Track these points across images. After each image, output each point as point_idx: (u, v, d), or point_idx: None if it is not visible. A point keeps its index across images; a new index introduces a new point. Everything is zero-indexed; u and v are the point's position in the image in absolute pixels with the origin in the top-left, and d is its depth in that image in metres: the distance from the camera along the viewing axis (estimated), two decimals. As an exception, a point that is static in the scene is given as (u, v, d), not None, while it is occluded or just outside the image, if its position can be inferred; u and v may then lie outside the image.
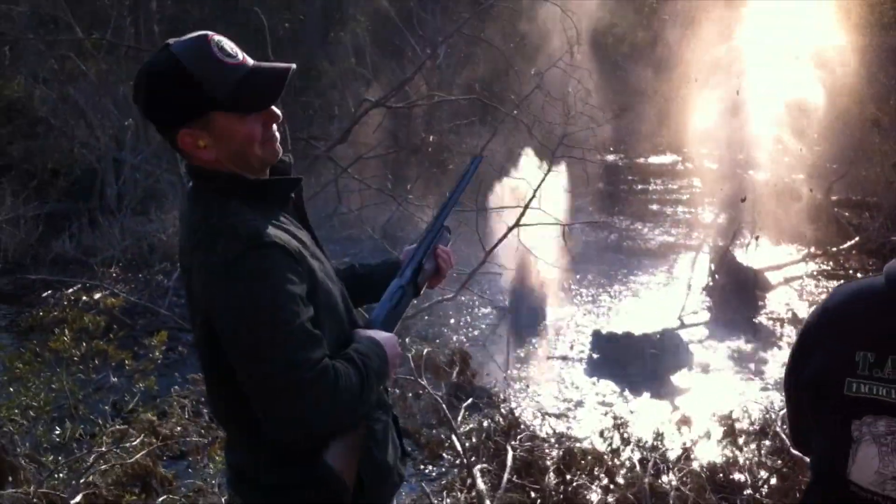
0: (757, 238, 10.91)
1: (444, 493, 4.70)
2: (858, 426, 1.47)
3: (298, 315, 1.76)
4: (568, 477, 4.89)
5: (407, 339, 7.51)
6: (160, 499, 4.37)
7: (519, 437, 5.37)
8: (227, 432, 2.05)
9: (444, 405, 5.20)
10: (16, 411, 4.72)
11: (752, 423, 5.35)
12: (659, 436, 5.30)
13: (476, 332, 8.99)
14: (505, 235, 7.40)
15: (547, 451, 5.25)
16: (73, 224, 11.46)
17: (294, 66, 1.91)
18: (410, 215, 9.12)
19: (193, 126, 1.81)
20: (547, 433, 5.73)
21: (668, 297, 9.85)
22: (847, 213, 12.63)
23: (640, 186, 16.08)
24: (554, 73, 7.79)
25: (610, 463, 5.10)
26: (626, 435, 5.34)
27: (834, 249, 11.51)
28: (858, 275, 10.05)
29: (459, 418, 5.68)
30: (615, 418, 5.55)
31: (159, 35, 9.62)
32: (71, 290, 8.96)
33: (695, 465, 4.99)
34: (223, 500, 4.25)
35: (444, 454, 5.59)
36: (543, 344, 8.72)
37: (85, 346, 5.13)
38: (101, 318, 5.44)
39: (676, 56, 12.25)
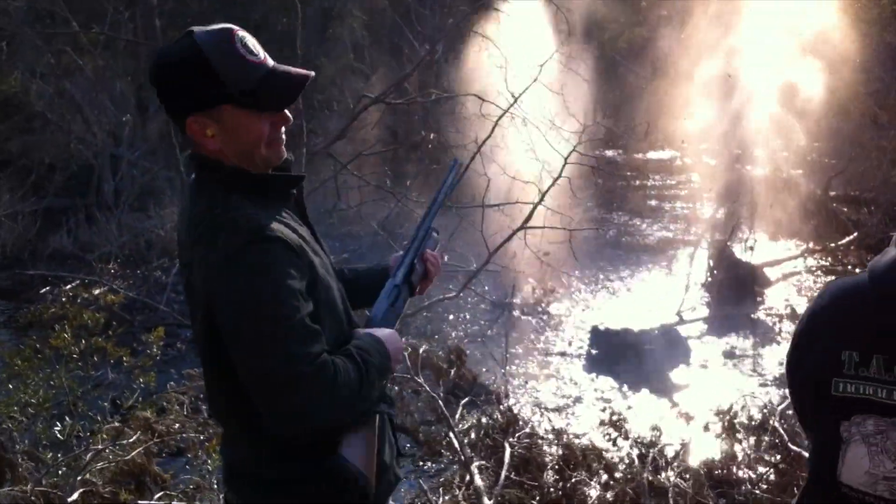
0: (753, 241, 10.92)
1: (442, 491, 4.71)
2: (847, 426, 1.47)
3: (299, 310, 1.76)
4: (566, 473, 4.89)
5: (406, 337, 7.51)
6: (157, 495, 4.37)
7: (517, 434, 5.37)
8: (227, 428, 2.05)
9: (441, 402, 5.20)
10: (15, 408, 4.72)
11: (750, 419, 5.35)
12: (658, 431, 5.31)
13: (475, 329, 8.99)
14: (510, 237, 7.40)
15: (545, 447, 5.26)
16: (71, 220, 11.44)
17: (313, 73, 1.92)
18: (410, 212, 9.11)
19: (204, 115, 1.82)
20: (545, 430, 5.73)
21: (666, 293, 9.84)
22: (845, 209, 12.63)
23: (638, 182, 16.07)
24: (553, 71, 7.79)
25: (609, 458, 5.11)
26: (624, 429, 5.36)
27: (832, 245, 11.51)
28: (857, 270, 10.06)
29: (457, 415, 5.68)
30: (613, 414, 5.56)
31: (159, 29, 9.58)
32: (69, 287, 8.95)
33: (693, 461, 5.00)
34: (221, 497, 4.25)
35: (442, 451, 5.59)
36: (542, 340, 8.72)
37: (84, 343, 5.12)
38: (99, 315, 5.43)
39: (674, 52, 12.25)
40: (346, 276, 2.27)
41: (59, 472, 4.42)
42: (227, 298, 1.76)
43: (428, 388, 5.38)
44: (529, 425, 5.72)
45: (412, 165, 14.19)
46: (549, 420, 6.30)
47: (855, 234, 11.55)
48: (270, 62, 1.86)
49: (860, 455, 1.46)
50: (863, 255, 10.95)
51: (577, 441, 5.36)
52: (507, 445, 5.09)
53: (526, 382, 7.59)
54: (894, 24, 12.59)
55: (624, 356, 7.96)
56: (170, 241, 10.59)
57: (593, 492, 4.71)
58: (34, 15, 13.39)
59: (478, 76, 8.84)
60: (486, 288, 9.53)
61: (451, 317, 9.27)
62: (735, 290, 9.72)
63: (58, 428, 4.94)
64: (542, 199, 7.33)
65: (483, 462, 4.96)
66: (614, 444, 5.31)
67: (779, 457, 4.97)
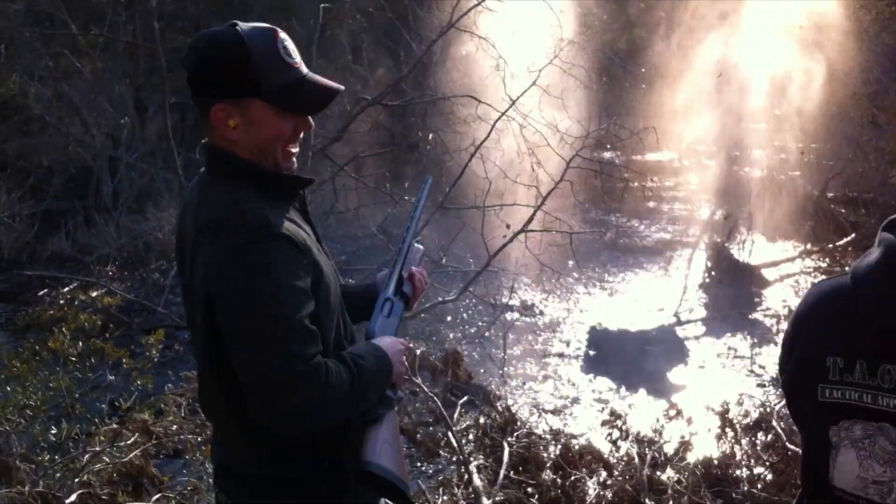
0: (751, 242, 10.93)
1: (441, 490, 4.70)
2: (836, 431, 1.48)
3: (300, 309, 1.77)
4: (565, 472, 4.90)
5: (404, 337, 7.50)
6: (154, 497, 4.37)
7: (516, 433, 5.38)
8: (224, 428, 2.05)
9: (439, 403, 5.20)
10: (12, 410, 4.72)
11: (747, 419, 5.36)
12: (656, 430, 5.31)
13: (473, 330, 8.99)
14: (511, 240, 7.40)
15: (544, 446, 5.26)
16: (69, 222, 11.44)
17: (343, 87, 1.98)
18: (408, 214, 9.11)
19: (232, 104, 1.85)
20: (543, 430, 5.74)
21: (664, 294, 9.85)
22: (843, 210, 12.64)
23: (636, 183, 16.06)
24: (551, 72, 7.79)
25: (607, 457, 5.12)
26: (623, 428, 5.37)
27: (830, 246, 11.52)
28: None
29: (456, 415, 5.68)
30: (612, 413, 5.57)
31: (157, 32, 9.58)
32: (67, 289, 8.97)
33: (691, 460, 5.00)
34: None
35: (440, 452, 5.59)
36: (540, 341, 8.72)
37: (82, 345, 5.12)
38: (97, 317, 5.44)
39: (671, 53, 12.26)
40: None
41: (57, 474, 4.42)
42: (228, 297, 1.77)
43: (426, 389, 5.38)
44: (528, 425, 5.73)
45: (410, 167, 14.19)
46: (547, 421, 6.30)
47: (853, 235, 11.56)
48: (305, 69, 1.91)
49: (850, 460, 1.46)
50: (861, 255, 10.93)
51: (575, 440, 5.36)
52: (505, 444, 5.09)
53: (524, 383, 7.58)
54: (892, 26, 12.60)
55: (622, 357, 7.97)
56: (168, 243, 10.59)
57: (592, 490, 4.71)
58: (33, 17, 13.40)
59: (475, 77, 8.84)
60: (485, 289, 9.53)
61: (448, 318, 9.27)
62: (733, 291, 9.74)
63: (55, 431, 4.95)
64: (543, 202, 7.34)
65: (482, 461, 4.96)
66: (614, 443, 5.32)
67: (776, 456, 4.98)
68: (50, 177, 12.68)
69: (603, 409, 6.23)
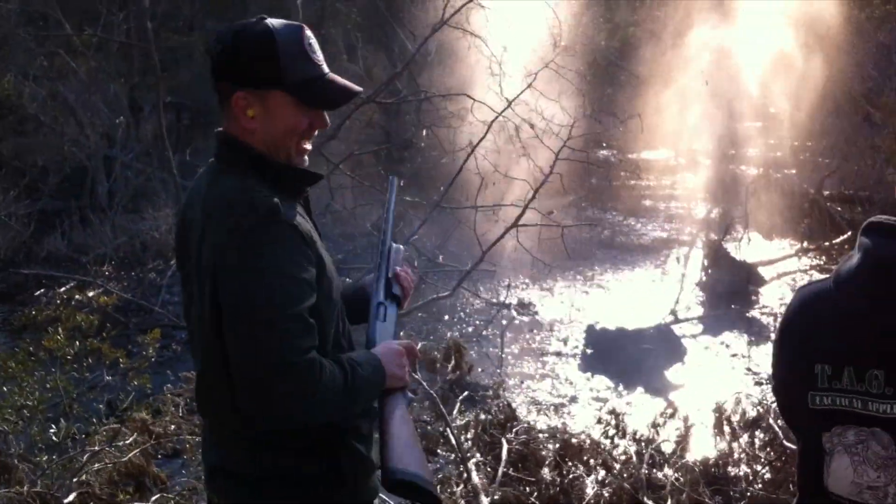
0: (748, 240, 10.94)
1: (440, 488, 4.70)
2: (829, 438, 1.48)
3: (301, 300, 1.78)
4: (564, 469, 4.90)
5: (401, 333, 7.49)
6: (154, 497, 4.36)
7: (515, 430, 5.38)
8: (222, 427, 2.02)
9: (438, 399, 5.20)
10: (10, 411, 4.71)
11: (745, 417, 5.36)
12: (655, 428, 5.32)
13: (470, 329, 8.99)
14: (503, 235, 7.40)
15: (542, 444, 5.26)
16: (65, 222, 11.41)
17: (361, 90, 2.03)
18: (403, 212, 9.10)
19: (253, 94, 1.88)
20: (542, 427, 5.74)
21: (661, 293, 9.86)
22: (839, 208, 12.67)
23: (632, 182, 16.08)
24: (547, 70, 7.78)
25: (606, 454, 5.12)
26: (622, 425, 5.37)
27: (826, 244, 11.54)
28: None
29: (455, 412, 5.68)
30: (610, 412, 5.58)
31: (151, 31, 9.57)
32: (64, 289, 8.95)
33: (689, 458, 5.00)
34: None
35: (439, 449, 5.59)
36: (537, 340, 8.72)
37: (78, 345, 5.12)
38: (94, 317, 5.43)
39: (667, 52, 12.26)
40: None
41: (55, 474, 4.41)
42: (232, 277, 1.78)
43: (425, 385, 5.38)
44: (526, 423, 5.73)
45: (405, 165, 14.19)
46: (546, 418, 6.31)
47: (849, 233, 11.57)
48: (326, 68, 1.96)
49: (844, 465, 1.46)
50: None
51: (573, 439, 5.36)
52: (504, 441, 5.09)
53: (522, 382, 7.59)
54: (887, 24, 12.63)
55: (619, 355, 7.97)
56: (164, 242, 10.57)
57: (590, 488, 4.71)
58: (27, 17, 13.36)
59: (469, 74, 8.84)
60: (482, 288, 9.53)
61: (446, 317, 9.27)
62: (730, 289, 9.75)
63: (53, 430, 4.94)
64: (534, 196, 7.32)
65: (481, 458, 4.96)
66: (612, 441, 5.33)
67: (774, 454, 4.99)
68: (45, 176, 12.64)
69: (601, 407, 6.24)
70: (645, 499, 4.51)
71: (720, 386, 6.91)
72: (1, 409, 4.70)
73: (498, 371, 7.66)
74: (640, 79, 12.65)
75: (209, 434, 2.09)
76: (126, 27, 13.56)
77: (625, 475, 4.80)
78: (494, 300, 9.44)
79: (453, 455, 5.09)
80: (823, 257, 11.27)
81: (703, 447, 5.22)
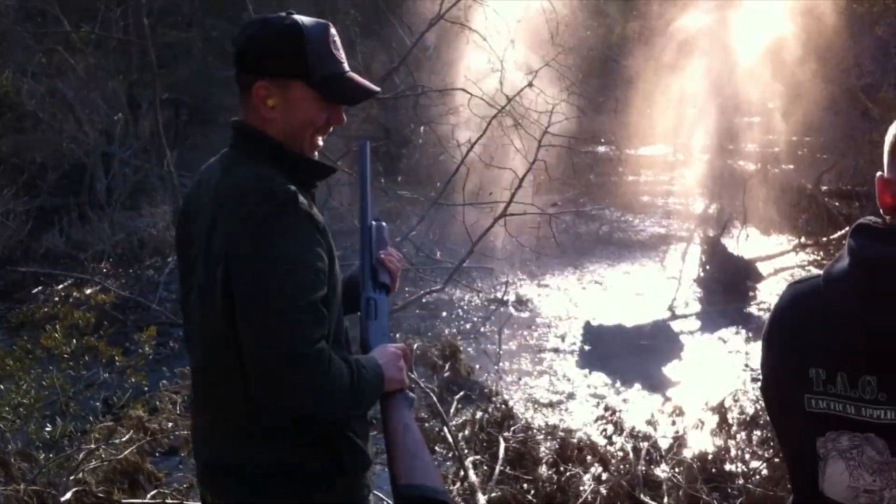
0: (746, 236, 10.93)
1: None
2: (823, 443, 1.47)
3: (314, 290, 1.79)
4: (561, 467, 4.90)
5: (398, 334, 7.50)
6: (150, 494, 4.36)
7: (512, 428, 5.38)
8: (226, 422, 1.97)
9: (435, 398, 5.20)
10: (6, 409, 4.71)
11: (743, 413, 5.37)
12: (652, 425, 5.32)
13: (468, 326, 8.99)
14: (491, 226, 7.38)
15: (539, 442, 5.26)
16: (63, 219, 11.40)
17: (380, 90, 2.09)
18: (402, 207, 9.11)
19: (275, 84, 1.91)
20: (539, 425, 5.74)
21: (659, 289, 9.87)
22: (837, 203, 12.66)
23: (630, 178, 16.08)
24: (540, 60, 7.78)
25: (603, 452, 5.12)
26: (618, 423, 5.37)
27: (824, 239, 11.54)
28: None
29: (452, 411, 5.68)
30: (607, 409, 5.58)
31: (147, 28, 9.55)
32: (61, 286, 8.94)
33: (686, 455, 5.01)
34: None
35: (436, 447, 5.59)
36: (535, 336, 8.73)
37: (75, 343, 5.11)
38: (91, 315, 5.42)
39: (665, 48, 12.25)
40: None
41: (52, 471, 4.41)
42: (246, 264, 1.79)
43: (422, 384, 5.37)
44: (523, 420, 5.73)
45: (404, 160, 14.18)
46: (543, 416, 6.31)
47: (847, 228, 11.53)
48: (347, 67, 2.00)
49: (839, 471, 1.45)
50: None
51: (570, 436, 5.36)
52: (501, 440, 5.09)
53: (519, 379, 7.59)
54: (885, 18, 12.61)
55: (617, 352, 7.97)
56: (162, 239, 10.57)
57: (588, 485, 4.71)
58: (25, 14, 13.34)
59: (466, 69, 8.82)
60: (479, 285, 9.53)
61: (444, 313, 9.27)
62: (727, 285, 9.75)
63: (49, 429, 4.93)
64: (521, 184, 7.29)
65: (477, 457, 4.96)
66: (609, 439, 5.33)
67: (771, 451, 4.99)
68: (43, 173, 12.62)
69: (598, 404, 6.24)
70: (642, 496, 4.51)
71: (718, 382, 6.93)
72: (-2, 407, 4.71)
73: (496, 368, 7.66)
74: (637, 74, 12.64)
75: (208, 430, 2.05)
76: (123, 24, 13.54)
77: (622, 471, 4.80)
78: (492, 297, 9.44)
79: (450, 453, 5.09)
80: (821, 253, 11.27)
81: (701, 443, 5.22)
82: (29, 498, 4.02)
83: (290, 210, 1.81)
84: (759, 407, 5.35)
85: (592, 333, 8.36)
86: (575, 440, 5.24)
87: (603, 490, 4.65)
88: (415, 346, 6.35)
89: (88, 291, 8.16)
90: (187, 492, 4.46)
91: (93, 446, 4.60)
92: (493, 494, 4.51)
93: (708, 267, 10.06)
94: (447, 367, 6.77)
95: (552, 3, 7.94)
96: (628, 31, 17.50)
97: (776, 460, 4.85)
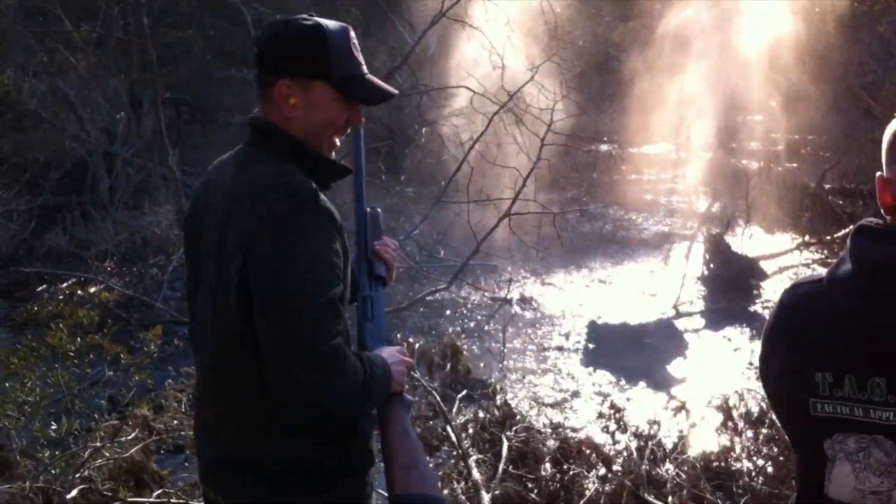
0: (749, 234, 10.92)
1: (440, 485, 4.70)
2: (830, 444, 1.47)
3: (333, 286, 1.80)
4: (564, 466, 4.90)
5: (399, 335, 7.50)
6: (156, 492, 4.37)
7: (515, 427, 5.37)
8: (245, 418, 1.94)
9: (438, 397, 5.20)
10: (11, 407, 4.71)
11: (748, 412, 5.36)
12: (656, 423, 5.31)
13: (472, 324, 8.98)
14: (496, 225, 7.40)
15: (542, 440, 5.26)
16: (66, 218, 11.41)
17: (397, 92, 2.12)
18: (405, 206, 9.10)
19: (297, 83, 1.93)
20: (543, 424, 5.73)
21: (663, 287, 9.85)
22: (841, 202, 12.65)
23: (633, 176, 16.07)
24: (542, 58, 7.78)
25: (606, 451, 5.12)
26: (622, 422, 5.36)
27: (828, 238, 11.53)
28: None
29: (454, 410, 5.68)
30: (611, 407, 5.57)
31: (147, 27, 9.57)
32: (65, 285, 8.95)
33: (691, 454, 5.00)
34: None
35: (439, 446, 5.58)
36: (539, 335, 8.72)
37: (80, 341, 5.11)
38: (95, 313, 5.42)
39: (666, 46, 12.24)
40: None
41: (57, 469, 4.41)
42: (265, 261, 1.79)
43: (424, 383, 5.37)
44: (527, 419, 5.72)
45: (407, 159, 14.17)
46: (546, 415, 6.30)
47: (850, 226, 11.49)
48: (366, 69, 2.03)
49: (846, 473, 1.45)
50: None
51: (574, 434, 5.35)
52: (504, 439, 5.09)
53: (524, 377, 7.59)
54: (888, 16, 12.60)
55: (621, 350, 7.97)
56: (165, 238, 10.58)
57: (591, 484, 4.71)
58: (26, 13, 13.35)
59: (467, 66, 8.83)
60: (483, 283, 9.53)
61: (448, 312, 9.27)
62: (731, 283, 9.74)
63: (54, 426, 4.94)
64: (524, 184, 7.31)
65: (481, 455, 4.96)
66: (612, 437, 5.32)
67: (776, 449, 4.98)
68: (46, 173, 12.62)
69: (602, 402, 6.23)
70: (646, 495, 4.51)
71: (722, 380, 6.91)
72: (3, 405, 4.70)
73: (500, 366, 7.66)
74: (638, 72, 12.63)
75: (213, 428, 2.02)
76: (123, 23, 13.54)
77: (626, 470, 4.79)
78: (496, 295, 9.44)
79: (454, 452, 5.09)
80: (825, 251, 11.26)
81: (705, 442, 5.22)
82: (34, 495, 4.02)
83: (310, 208, 1.82)
84: (764, 405, 5.34)
85: (596, 331, 8.36)
86: (578, 439, 5.24)
87: (607, 489, 4.64)
88: (416, 345, 6.35)
89: (92, 290, 8.17)
90: (193, 490, 4.46)
91: (98, 444, 4.60)
92: (497, 492, 4.50)
93: (712, 265, 10.05)
94: (448, 366, 6.78)
95: (551, 4, 7.95)
96: (629, 29, 17.49)
97: (782, 458, 4.85)
